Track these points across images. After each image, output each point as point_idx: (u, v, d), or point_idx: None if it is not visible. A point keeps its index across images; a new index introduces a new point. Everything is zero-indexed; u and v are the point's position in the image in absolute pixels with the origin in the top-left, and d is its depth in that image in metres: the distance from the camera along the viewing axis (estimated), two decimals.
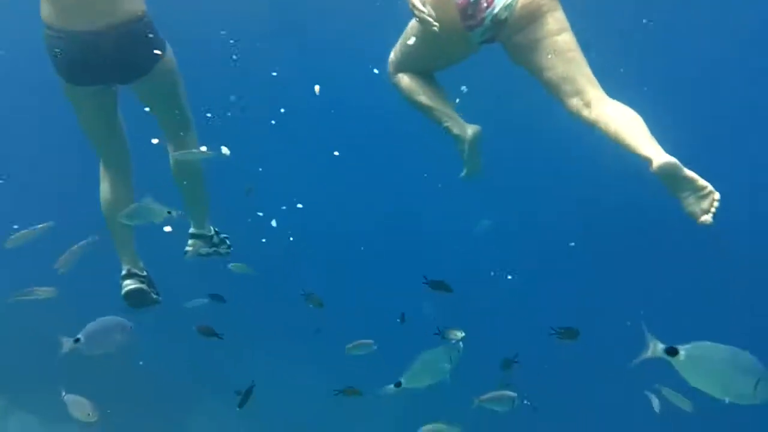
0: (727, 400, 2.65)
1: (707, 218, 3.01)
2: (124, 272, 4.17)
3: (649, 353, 2.65)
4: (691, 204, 3.04)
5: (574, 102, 3.44)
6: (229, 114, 5.51)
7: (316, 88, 4.48)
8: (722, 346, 2.61)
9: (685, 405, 4.55)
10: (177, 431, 7.50)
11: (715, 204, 3.01)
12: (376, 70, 4.21)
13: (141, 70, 3.81)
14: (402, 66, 3.88)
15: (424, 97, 3.81)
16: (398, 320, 5.01)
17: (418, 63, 3.83)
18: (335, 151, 6.76)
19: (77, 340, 3.89)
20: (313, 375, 7.73)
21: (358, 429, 6.20)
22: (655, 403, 4.76)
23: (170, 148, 4.20)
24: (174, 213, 3.76)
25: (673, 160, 3.02)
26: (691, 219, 3.02)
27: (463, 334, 4.06)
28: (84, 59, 3.64)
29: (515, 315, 7.64)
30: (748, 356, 2.60)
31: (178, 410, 7.37)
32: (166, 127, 4.16)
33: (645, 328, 2.65)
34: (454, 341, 3.98)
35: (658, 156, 3.05)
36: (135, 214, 3.89)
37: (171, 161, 4.23)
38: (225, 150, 4.09)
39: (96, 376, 6.23)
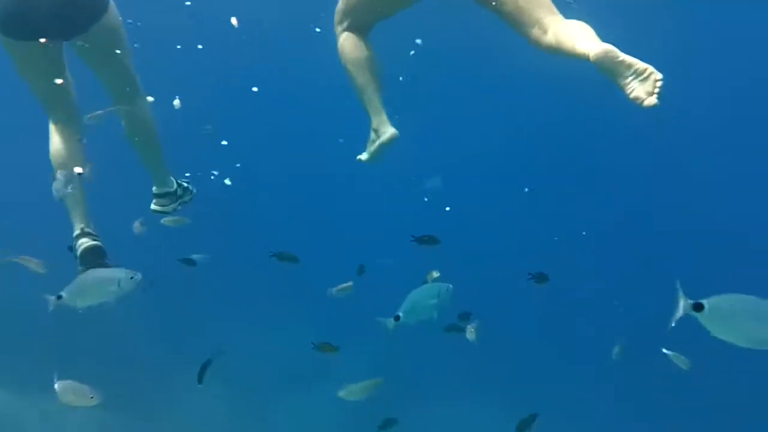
0: (750, 348, 2.65)
1: (652, 100, 2.94)
2: (77, 232, 3.94)
3: (680, 312, 2.62)
4: (635, 89, 2.97)
5: (534, 32, 3.37)
6: None
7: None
8: (743, 296, 2.60)
9: (683, 364, 4.90)
10: (154, 403, 7.39)
11: (658, 85, 2.95)
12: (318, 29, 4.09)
13: (80, 26, 3.65)
14: (348, 12, 3.79)
15: (361, 77, 3.76)
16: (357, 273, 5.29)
17: (365, 8, 3.76)
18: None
19: (60, 297, 3.66)
20: (292, 337, 7.56)
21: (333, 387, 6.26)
22: (680, 360, 4.95)
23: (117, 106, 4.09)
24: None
25: (609, 46, 3.01)
26: (637, 105, 2.97)
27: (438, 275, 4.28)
28: (20, 11, 3.49)
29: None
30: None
31: (153, 381, 7.25)
32: (113, 89, 4.04)
33: (678, 287, 2.62)
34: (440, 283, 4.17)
35: (595, 46, 3.03)
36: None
37: (123, 122, 4.12)
38: (177, 102, 4.10)
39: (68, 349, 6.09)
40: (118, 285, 3.68)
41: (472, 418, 7.22)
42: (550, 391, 7.14)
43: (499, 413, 6.77)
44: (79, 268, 3.84)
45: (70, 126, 3.99)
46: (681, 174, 8.25)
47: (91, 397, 4.17)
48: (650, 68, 2.97)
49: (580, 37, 3.15)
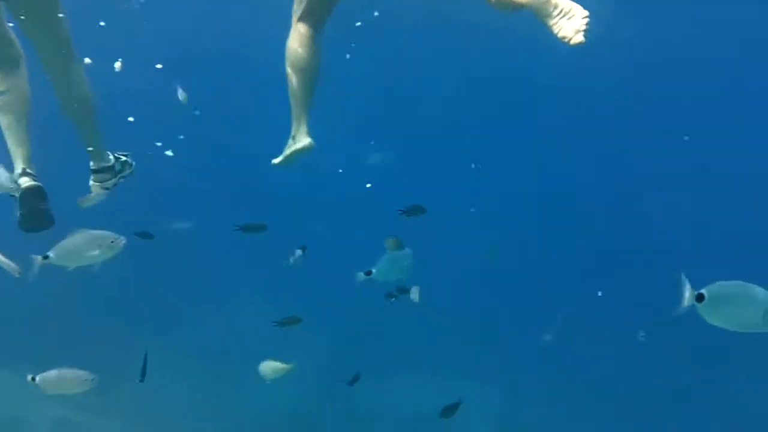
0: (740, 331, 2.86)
1: (579, 38, 3.01)
2: (18, 171, 3.83)
3: (686, 302, 2.78)
4: (562, 28, 3.04)
5: None
6: None
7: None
8: (733, 282, 2.81)
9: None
10: (111, 375, 7.35)
11: (585, 22, 3.02)
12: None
13: None
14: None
15: (295, 81, 3.77)
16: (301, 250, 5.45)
17: None
18: None
19: (46, 257, 3.70)
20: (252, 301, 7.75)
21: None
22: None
23: (52, 78, 4.00)
24: None
25: None
26: (564, 43, 3.05)
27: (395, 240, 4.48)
28: None
29: None
30: (756, 289, 2.82)
31: (117, 349, 7.15)
32: (47, 55, 3.94)
33: (684, 279, 2.79)
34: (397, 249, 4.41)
35: None
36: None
37: (57, 93, 4.03)
38: (118, 64, 4.13)
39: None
40: (104, 247, 3.78)
41: (428, 389, 7.38)
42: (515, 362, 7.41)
43: (453, 383, 6.99)
44: (19, 211, 3.77)
45: (15, 73, 3.87)
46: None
47: (85, 380, 4.19)
48: (576, 6, 3.04)
49: None
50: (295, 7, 3.82)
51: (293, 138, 3.83)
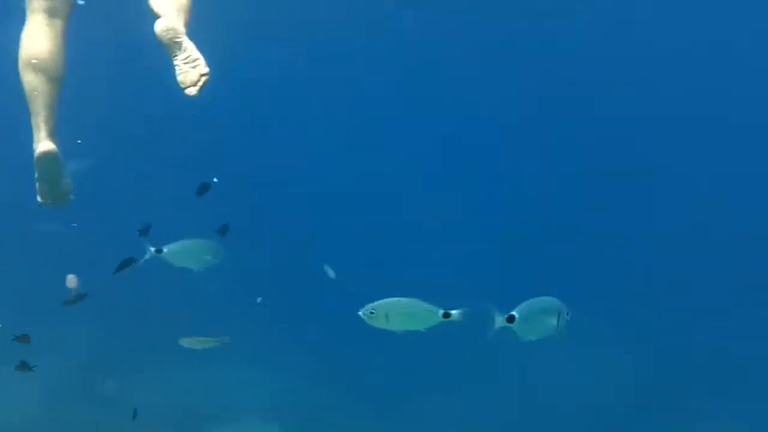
0: (536, 339, 3.21)
1: (193, 90, 3.10)
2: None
3: (497, 324, 3.09)
4: (183, 72, 3.11)
5: None
6: None
7: None
8: (536, 299, 3.17)
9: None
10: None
11: (203, 79, 3.10)
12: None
13: None
14: None
15: (32, 82, 3.37)
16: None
17: None
18: None
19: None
20: None
21: None
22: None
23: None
24: None
25: (173, 23, 3.09)
26: (179, 87, 3.11)
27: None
28: None
29: None
30: (553, 300, 3.22)
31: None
32: None
33: (491, 308, 3.08)
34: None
35: (164, 20, 3.10)
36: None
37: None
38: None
39: None
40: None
41: None
42: None
43: None
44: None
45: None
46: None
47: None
48: (201, 60, 3.10)
49: (166, 5, 3.17)
50: None
51: (33, 149, 3.37)
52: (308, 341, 7.30)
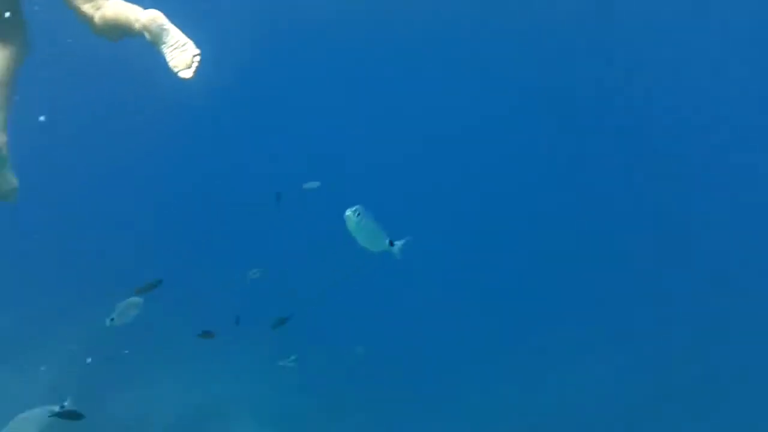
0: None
1: (188, 73, 3.09)
2: None
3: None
4: (174, 58, 3.10)
5: (87, 8, 3.24)
6: None
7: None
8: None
9: None
10: None
11: (196, 60, 3.09)
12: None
13: None
14: None
15: None
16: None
17: None
18: None
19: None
20: None
21: None
22: None
23: None
24: None
25: (156, 13, 3.11)
26: (173, 74, 3.10)
27: None
28: None
29: None
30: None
31: None
32: None
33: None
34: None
35: (142, 12, 3.13)
36: None
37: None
38: None
39: None
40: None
41: None
42: None
43: None
44: None
45: None
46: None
47: None
48: (190, 43, 3.11)
49: (127, 8, 3.17)
50: None
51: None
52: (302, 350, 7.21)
